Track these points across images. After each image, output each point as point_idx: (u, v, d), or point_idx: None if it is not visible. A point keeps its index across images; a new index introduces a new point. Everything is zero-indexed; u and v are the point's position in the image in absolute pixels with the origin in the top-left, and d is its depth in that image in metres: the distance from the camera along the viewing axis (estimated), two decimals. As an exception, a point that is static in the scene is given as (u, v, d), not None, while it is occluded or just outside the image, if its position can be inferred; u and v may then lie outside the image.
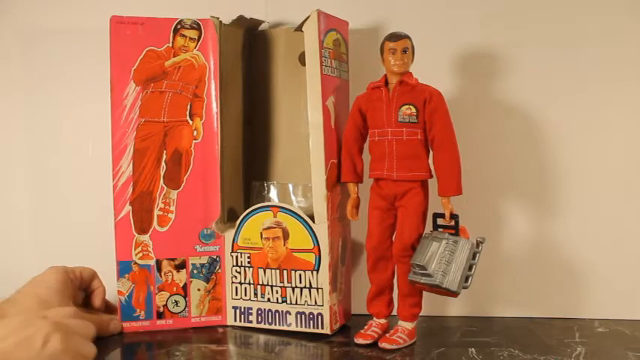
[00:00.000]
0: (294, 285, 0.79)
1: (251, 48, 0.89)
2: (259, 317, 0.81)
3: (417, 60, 0.74)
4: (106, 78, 0.80)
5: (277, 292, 0.80)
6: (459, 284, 0.69)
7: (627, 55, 0.84)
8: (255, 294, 0.81)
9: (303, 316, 0.79)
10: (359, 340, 0.74)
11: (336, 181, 0.78)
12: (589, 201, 0.85)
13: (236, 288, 0.82)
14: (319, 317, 0.78)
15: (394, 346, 0.73)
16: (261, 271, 0.81)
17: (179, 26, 0.82)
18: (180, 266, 0.82)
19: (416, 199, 0.73)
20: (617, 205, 0.85)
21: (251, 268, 0.81)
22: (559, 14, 0.85)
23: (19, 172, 0.96)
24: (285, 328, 0.80)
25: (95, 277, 0.81)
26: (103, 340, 0.77)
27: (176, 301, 0.82)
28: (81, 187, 0.94)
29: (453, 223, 0.72)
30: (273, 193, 0.89)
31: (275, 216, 0.79)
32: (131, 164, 0.81)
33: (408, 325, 0.75)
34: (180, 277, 0.82)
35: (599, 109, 0.85)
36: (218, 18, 0.82)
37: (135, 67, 0.81)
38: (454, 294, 0.69)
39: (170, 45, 0.82)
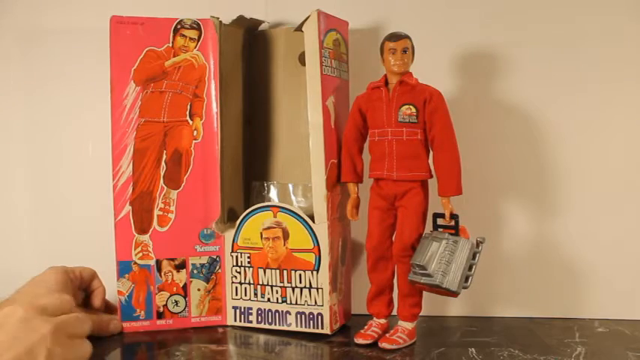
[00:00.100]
0: (294, 285, 0.79)
1: (251, 48, 0.89)
2: (259, 317, 0.81)
3: (417, 60, 0.74)
4: (106, 78, 0.80)
5: (277, 292, 0.80)
6: (459, 284, 0.69)
7: (627, 55, 0.84)
8: (255, 294, 0.81)
9: (303, 316, 0.79)
10: (359, 340, 0.74)
11: (336, 181, 0.78)
12: (589, 201, 0.85)
13: (236, 288, 0.82)
14: (319, 317, 0.78)
15: (394, 346, 0.73)
16: (261, 271, 0.81)
17: (179, 26, 0.82)
18: (180, 266, 0.82)
19: (416, 199, 0.73)
20: (617, 205, 0.85)
21: (251, 268, 0.81)
22: (559, 14, 0.85)
23: (19, 172, 0.96)
24: (285, 328, 0.80)
25: (95, 277, 0.81)
26: (103, 340, 0.77)
27: (176, 301, 0.82)
28: (81, 187, 0.94)
29: (453, 223, 0.72)
30: (273, 193, 0.89)
31: (275, 216, 0.79)
32: (131, 164, 0.81)
33: (408, 325, 0.75)
34: (180, 277, 0.82)
35: (599, 109, 0.85)
36: (218, 18, 0.82)
37: (135, 67, 0.81)
38: (454, 294, 0.69)
39: (170, 45, 0.82)
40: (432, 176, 0.73)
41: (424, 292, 0.74)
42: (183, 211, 0.82)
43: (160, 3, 0.88)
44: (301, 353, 0.74)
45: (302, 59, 0.80)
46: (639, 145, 0.84)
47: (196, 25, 0.82)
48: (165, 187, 0.82)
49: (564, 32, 0.85)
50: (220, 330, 0.82)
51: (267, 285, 0.81)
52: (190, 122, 0.82)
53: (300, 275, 0.79)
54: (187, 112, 0.82)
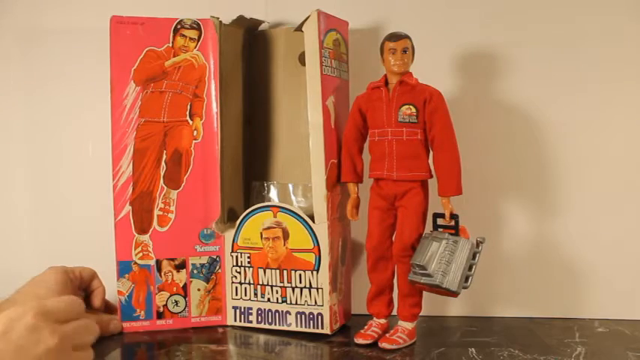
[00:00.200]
0: (294, 285, 0.79)
1: (251, 48, 0.89)
2: (259, 317, 0.81)
3: (417, 60, 0.74)
4: (106, 78, 0.80)
5: (277, 292, 0.80)
6: (458, 284, 0.69)
7: (627, 55, 0.84)
8: (255, 294, 0.81)
9: (303, 316, 0.79)
10: (359, 340, 0.74)
11: (336, 181, 0.78)
12: (589, 201, 0.85)
13: (236, 288, 0.82)
14: (319, 317, 0.78)
15: (394, 346, 0.73)
16: (261, 271, 0.81)
17: (179, 26, 0.82)
18: (180, 266, 0.82)
19: (416, 199, 0.73)
20: (617, 205, 0.85)
21: (251, 268, 0.81)
22: (559, 14, 0.85)
23: (19, 172, 0.96)
24: (285, 328, 0.80)
25: (95, 277, 0.81)
26: (103, 340, 0.77)
27: (176, 301, 0.82)
28: (81, 187, 0.94)
29: (453, 223, 0.72)
30: (273, 193, 0.89)
31: (275, 216, 0.79)
32: (131, 164, 0.81)
33: (408, 325, 0.75)
34: (180, 277, 0.82)
35: (599, 109, 0.85)
36: (218, 18, 0.82)
37: (135, 67, 0.81)
38: (454, 294, 0.69)
39: (170, 45, 0.82)
40: (432, 176, 0.73)
41: (424, 292, 0.74)
42: (183, 211, 0.82)
43: (159, 3, 0.88)
44: (301, 353, 0.74)
45: (302, 59, 0.80)
46: (639, 145, 0.84)
47: (196, 25, 0.82)
48: (165, 187, 0.82)
49: (564, 32, 0.85)
50: (220, 330, 0.82)
51: (267, 285, 0.81)
52: (190, 122, 0.82)
53: (300, 275, 0.79)
54: (187, 112, 0.82)
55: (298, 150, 0.85)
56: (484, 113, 0.86)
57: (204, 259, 0.83)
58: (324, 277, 0.77)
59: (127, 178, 0.81)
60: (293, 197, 0.88)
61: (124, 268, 0.81)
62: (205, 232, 0.83)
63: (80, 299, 0.65)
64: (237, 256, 0.82)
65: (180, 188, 0.82)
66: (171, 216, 0.82)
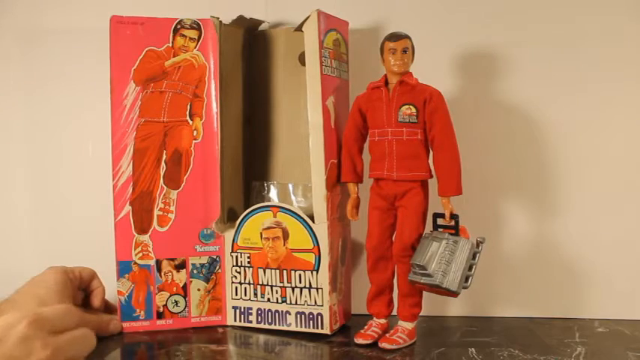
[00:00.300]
0: (294, 285, 0.79)
1: (251, 48, 0.89)
2: (259, 317, 0.81)
3: (417, 60, 0.74)
4: (106, 78, 0.80)
5: (277, 292, 0.80)
6: (459, 284, 0.69)
7: (627, 55, 0.84)
8: (255, 294, 0.81)
9: (302, 316, 0.79)
10: (359, 340, 0.74)
11: (336, 181, 0.78)
12: (589, 201, 0.85)
13: (236, 288, 0.82)
14: (319, 317, 0.78)
15: (394, 346, 0.73)
16: (261, 271, 0.81)
17: (179, 26, 0.82)
18: (180, 266, 0.82)
19: (416, 199, 0.73)
20: (617, 205, 0.85)
21: (251, 268, 0.81)
22: (559, 14, 0.85)
23: (19, 172, 0.96)
24: (285, 328, 0.80)
25: (95, 277, 0.81)
26: (103, 340, 0.77)
27: (176, 301, 0.82)
28: (81, 187, 0.94)
29: (453, 223, 0.72)
30: (273, 193, 0.89)
31: (275, 216, 0.79)
32: (131, 164, 0.81)
33: (408, 325, 0.75)
34: (180, 277, 0.82)
35: (599, 109, 0.85)
36: (218, 18, 0.82)
37: (135, 67, 0.81)
38: (454, 294, 0.69)
39: (170, 45, 0.82)
40: (432, 176, 0.73)
41: (424, 292, 0.74)
42: (183, 211, 0.82)
43: (160, 3, 0.88)
44: (301, 353, 0.74)
45: (302, 59, 0.80)
46: (639, 145, 0.84)
47: (196, 25, 0.82)
48: (165, 187, 0.82)
49: (564, 32, 0.85)
50: (220, 330, 0.82)
51: (267, 285, 0.80)
52: (190, 122, 0.82)
53: (300, 275, 0.79)
54: (187, 112, 0.82)
55: (298, 150, 0.85)
56: (484, 113, 0.86)
57: (204, 259, 0.83)
58: (323, 277, 0.77)
59: (127, 178, 0.81)
60: (293, 197, 0.88)
61: (123, 268, 0.81)
62: (205, 232, 0.83)
63: (77, 308, 0.64)
64: (237, 256, 0.82)
65: (180, 188, 0.82)
66: (171, 216, 0.82)
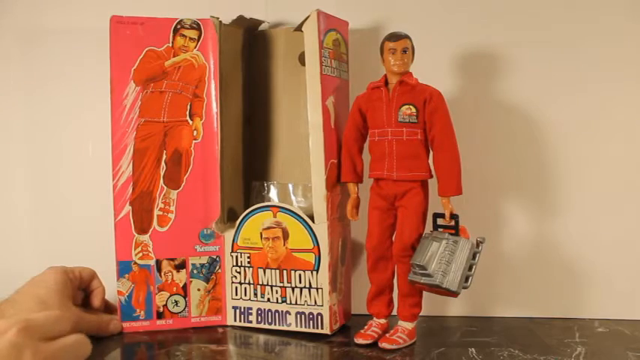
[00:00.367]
0: (293, 285, 0.79)
1: (251, 48, 0.89)
2: (259, 317, 0.81)
3: (417, 60, 0.74)
4: (106, 78, 0.80)
5: (277, 292, 0.80)
6: (459, 284, 0.69)
7: (627, 55, 0.84)
8: (255, 294, 0.81)
9: (302, 316, 0.79)
10: (359, 340, 0.74)
11: (336, 181, 0.78)
12: (589, 201, 0.85)
13: (236, 288, 0.82)
14: (319, 317, 0.78)
15: (394, 346, 0.73)
16: (261, 271, 0.81)
17: (179, 26, 0.82)
18: (180, 266, 0.82)
19: (416, 199, 0.73)
20: (617, 205, 0.85)
21: (251, 268, 0.81)
22: (559, 14, 0.85)
23: (19, 172, 0.96)
24: (285, 328, 0.80)
25: (95, 277, 0.81)
26: (102, 340, 0.77)
27: (176, 301, 0.82)
28: (81, 187, 0.94)
29: (453, 223, 0.72)
30: (273, 193, 0.89)
31: (275, 216, 0.79)
32: (131, 164, 0.81)
33: (408, 325, 0.75)
34: (180, 277, 0.82)
35: (599, 109, 0.85)
36: (218, 18, 0.82)
37: (135, 67, 0.81)
38: (454, 294, 0.69)
39: (170, 45, 0.82)
40: (432, 176, 0.73)
41: (424, 292, 0.74)
42: (183, 211, 0.82)
43: (160, 3, 0.88)
44: (301, 353, 0.74)
45: (302, 59, 0.80)
46: (639, 145, 0.84)
47: (196, 25, 0.82)
48: (165, 187, 0.82)
49: (564, 32, 0.85)
50: (220, 330, 0.82)
51: (267, 285, 0.80)
52: (190, 122, 0.82)
53: (299, 275, 0.79)
54: (187, 112, 0.82)
55: (298, 150, 0.85)
56: (484, 113, 0.86)
57: (204, 259, 0.83)
58: (323, 277, 0.77)
59: (127, 178, 0.81)
60: (293, 197, 0.88)
61: (123, 268, 0.81)
62: (205, 232, 0.83)
63: (71, 312, 0.63)
64: (237, 256, 0.82)
65: (180, 188, 0.82)
66: (171, 216, 0.82)
